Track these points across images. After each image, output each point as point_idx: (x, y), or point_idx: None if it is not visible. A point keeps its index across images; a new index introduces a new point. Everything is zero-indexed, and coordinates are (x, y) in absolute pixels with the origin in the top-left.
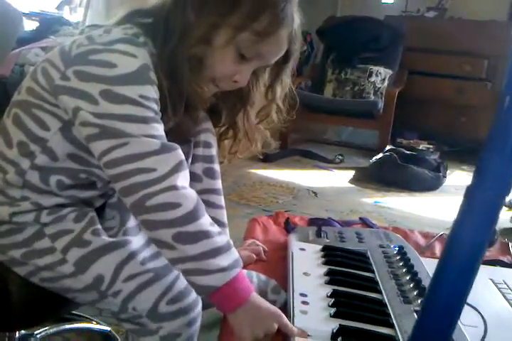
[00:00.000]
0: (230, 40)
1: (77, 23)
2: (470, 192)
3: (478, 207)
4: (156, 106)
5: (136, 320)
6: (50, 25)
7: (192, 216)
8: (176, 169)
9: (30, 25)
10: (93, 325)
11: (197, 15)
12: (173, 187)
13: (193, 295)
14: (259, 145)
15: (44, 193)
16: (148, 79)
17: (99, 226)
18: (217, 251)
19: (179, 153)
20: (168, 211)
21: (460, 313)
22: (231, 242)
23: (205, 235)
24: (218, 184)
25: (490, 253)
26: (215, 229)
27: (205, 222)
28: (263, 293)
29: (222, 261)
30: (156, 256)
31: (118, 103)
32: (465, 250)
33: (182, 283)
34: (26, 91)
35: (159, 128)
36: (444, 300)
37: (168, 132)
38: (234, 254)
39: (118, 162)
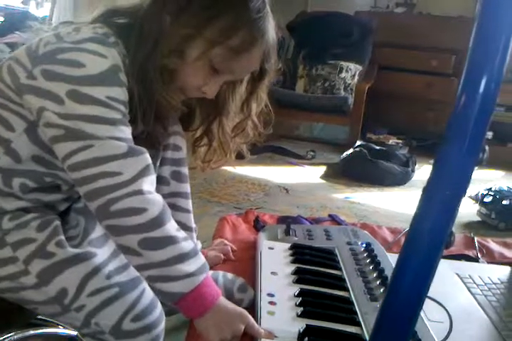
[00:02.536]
0: (204, 53)
1: (43, 18)
2: (428, 190)
3: (436, 204)
4: (124, 109)
5: (99, 336)
6: (15, 20)
7: (158, 221)
8: (143, 173)
9: None
10: (59, 330)
11: (172, 24)
12: (139, 192)
13: (157, 311)
14: (233, 156)
15: (6, 196)
16: (118, 80)
17: (62, 237)
18: (183, 257)
19: (146, 157)
20: (133, 216)
21: (421, 307)
22: (197, 248)
23: (171, 241)
24: (186, 187)
25: (455, 247)
26: (181, 234)
27: (171, 227)
28: (229, 292)
29: (189, 266)
30: (122, 270)
31: (84, 103)
32: (424, 247)
33: (146, 299)
34: None
35: (126, 131)
36: (404, 295)
37: (136, 138)
38: (200, 259)
39: (82, 165)
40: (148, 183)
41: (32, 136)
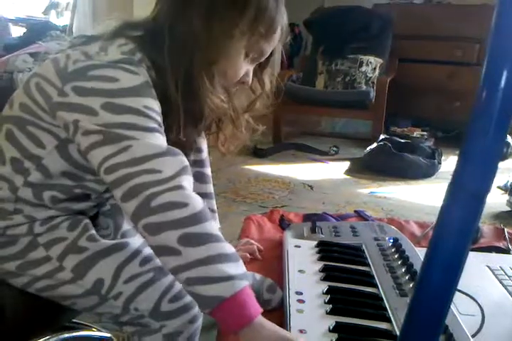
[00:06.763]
0: (244, 46)
1: (64, 27)
2: (454, 184)
3: (462, 199)
4: (159, 119)
5: (138, 321)
6: (37, 30)
7: (199, 217)
8: (182, 172)
9: (17, 32)
10: (93, 333)
11: (206, 25)
12: (180, 187)
13: None
14: (244, 131)
15: (37, 206)
16: (151, 93)
17: (93, 231)
18: (225, 257)
19: (183, 159)
20: (174, 210)
21: (451, 300)
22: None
23: (212, 238)
24: (210, 188)
25: (485, 239)
26: (222, 236)
27: (213, 226)
28: (258, 293)
29: (231, 268)
30: (155, 257)
31: (120, 113)
32: (452, 241)
33: None
34: (20, 107)
35: (161, 138)
36: (434, 289)
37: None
38: (243, 266)
39: (121, 166)
40: (188, 182)
41: (62, 152)
